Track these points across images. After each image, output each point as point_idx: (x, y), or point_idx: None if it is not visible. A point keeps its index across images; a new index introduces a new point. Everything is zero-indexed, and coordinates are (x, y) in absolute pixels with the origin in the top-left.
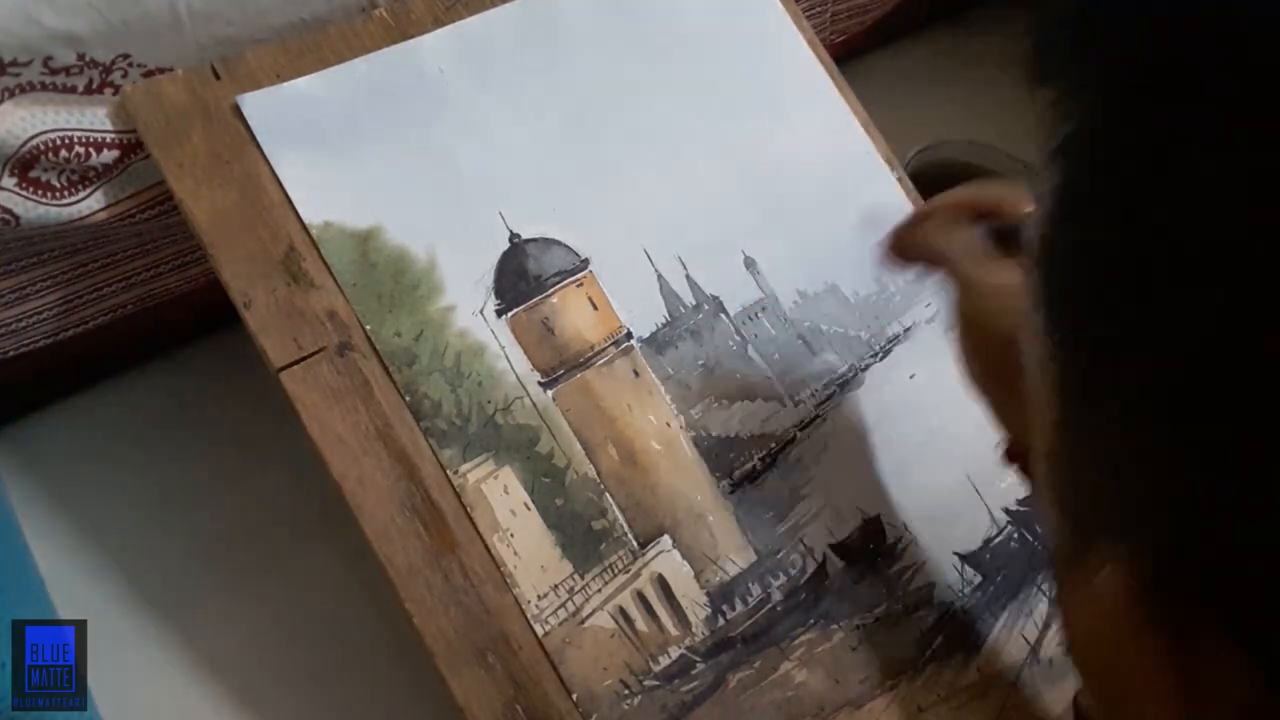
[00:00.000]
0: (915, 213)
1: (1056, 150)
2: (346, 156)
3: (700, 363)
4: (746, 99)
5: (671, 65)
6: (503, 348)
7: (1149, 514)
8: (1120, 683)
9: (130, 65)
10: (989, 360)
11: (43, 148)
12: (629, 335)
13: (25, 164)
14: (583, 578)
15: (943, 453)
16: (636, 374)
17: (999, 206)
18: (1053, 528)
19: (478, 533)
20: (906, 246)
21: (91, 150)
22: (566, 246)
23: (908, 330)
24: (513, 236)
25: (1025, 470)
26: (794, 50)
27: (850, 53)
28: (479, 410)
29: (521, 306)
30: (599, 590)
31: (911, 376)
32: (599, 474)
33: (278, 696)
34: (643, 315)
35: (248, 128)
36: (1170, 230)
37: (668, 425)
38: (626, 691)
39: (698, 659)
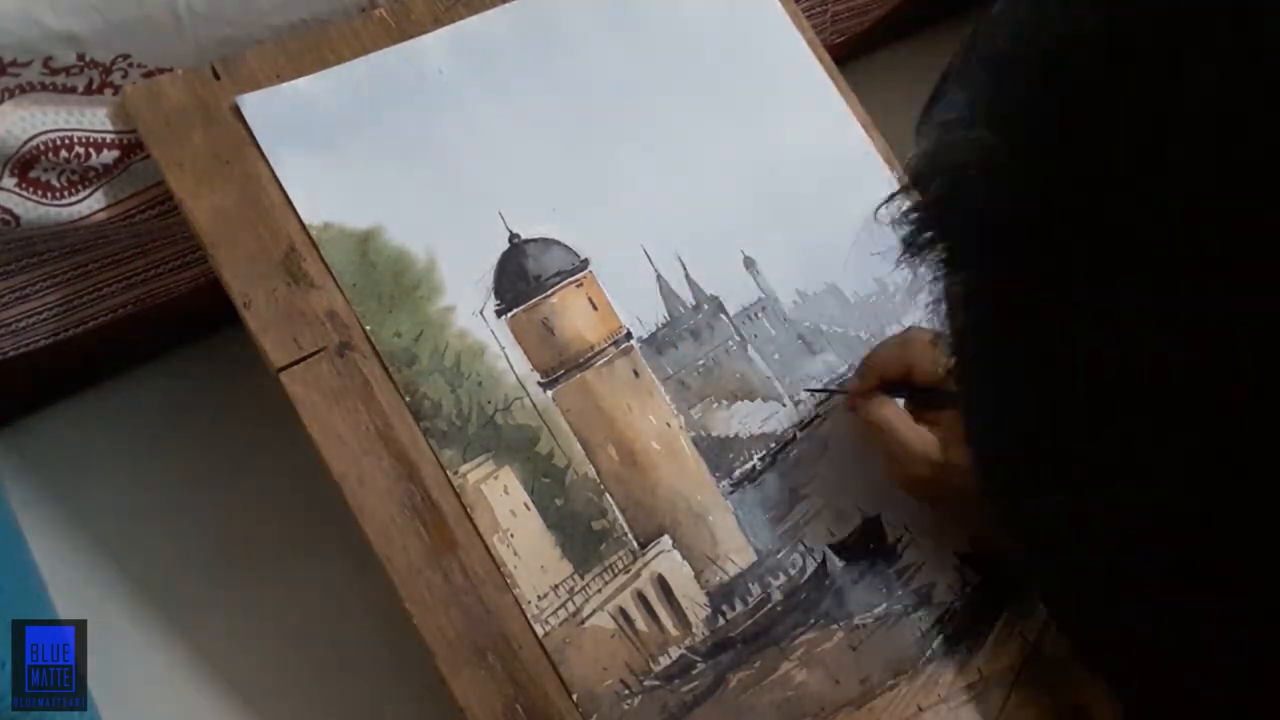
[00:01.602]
0: (851, 392)
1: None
2: (346, 157)
3: (700, 363)
4: (746, 99)
5: (671, 65)
6: (502, 348)
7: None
8: None
9: (130, 65)
10: (941, 502)
11: (43, 148)
12: (629, 335)
13: (25, 164)
14: (583, 578)
15: None
16: (636, 374)
17: (909, 372)
18: None
19: (478, 533)
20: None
21: (91, 150)
22: (566, 247)
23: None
24: (512, 237)
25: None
26: (794, 50)
27: (850, 53)
28: (479, 410)
29: (521, 307)
30: (599, 590)
31: None
32: (599, 474)
33: (277, 696)
34: (642, 315)
35: (248, 128)
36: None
37: (667, 425)
38: (627, 691)
39: (698, 659)
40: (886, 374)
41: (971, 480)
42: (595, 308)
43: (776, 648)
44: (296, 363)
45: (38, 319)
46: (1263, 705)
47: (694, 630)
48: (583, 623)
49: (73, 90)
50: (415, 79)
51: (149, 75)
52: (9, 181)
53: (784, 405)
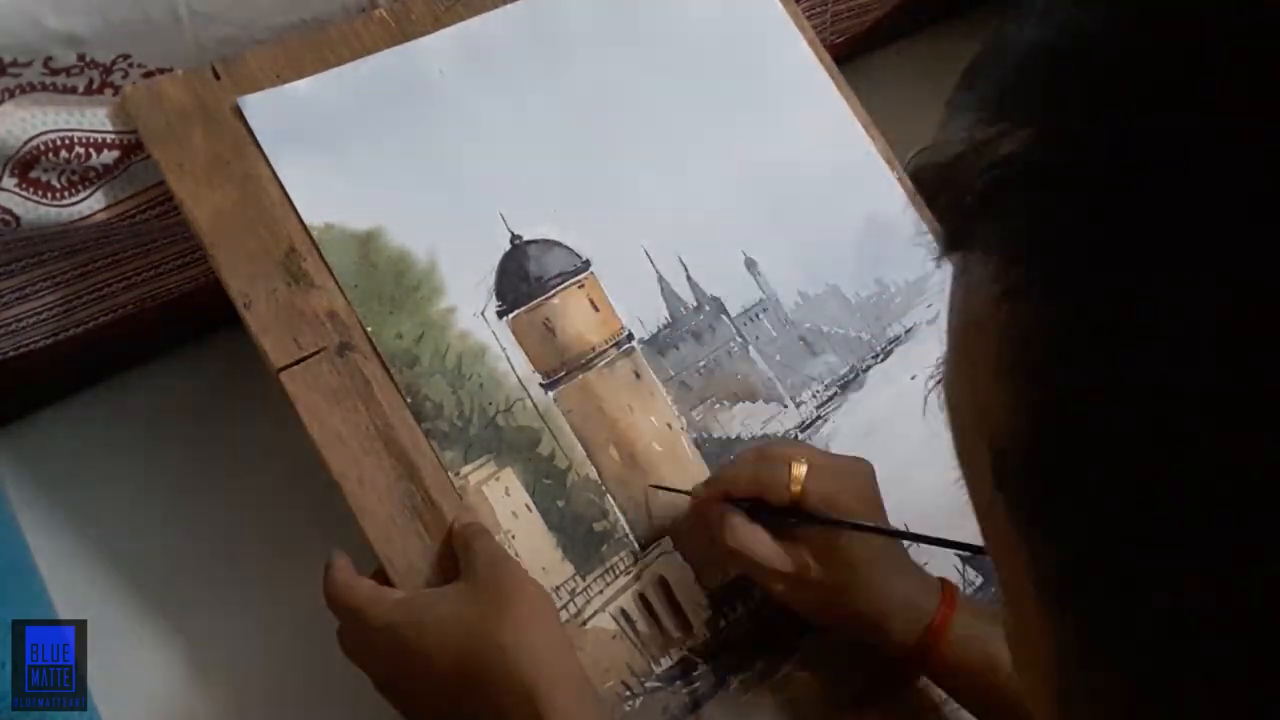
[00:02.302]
0: (693, 512)
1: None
2: (347, 158)
3: (701, 364)
4: (746, 99)
5: (672, 66)
6: (504, 349)
7: None
8: None
9: (130, 65)
10: (843, 623)
11: (43, 148)
12: (630, 337)
13: (26, 164)
14: (584, 579)
15: (943, 454)
16: (638, 375)
17: (760, 492)
18: None
19: None
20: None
21: (92, 150)
22: (567, 248)
23: (909, 331)
24: (514, 238)
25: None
26: (794, 50)
27: (850, 53)
28: (480, 412)
29: (523, 308)
30: (600, 592)
31: (913, 377)
32: (600, 475)
33: (277, 696)
34: (644, 316)
35: (248, 128)
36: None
37: (669, 426)
38: (628, 693)
39: (699, 660)
40: (737, 491)
41: (834, 597)
42: (597, 309)
43: (778, 649)
44: (296, 363)
45: (38, 319)
46: None
47: (695, 631)
48: (584, 624)
49: (73, 90)
50: (416, 80)
51: (149, 75)
52: (9, 182)
53: (785, 407)
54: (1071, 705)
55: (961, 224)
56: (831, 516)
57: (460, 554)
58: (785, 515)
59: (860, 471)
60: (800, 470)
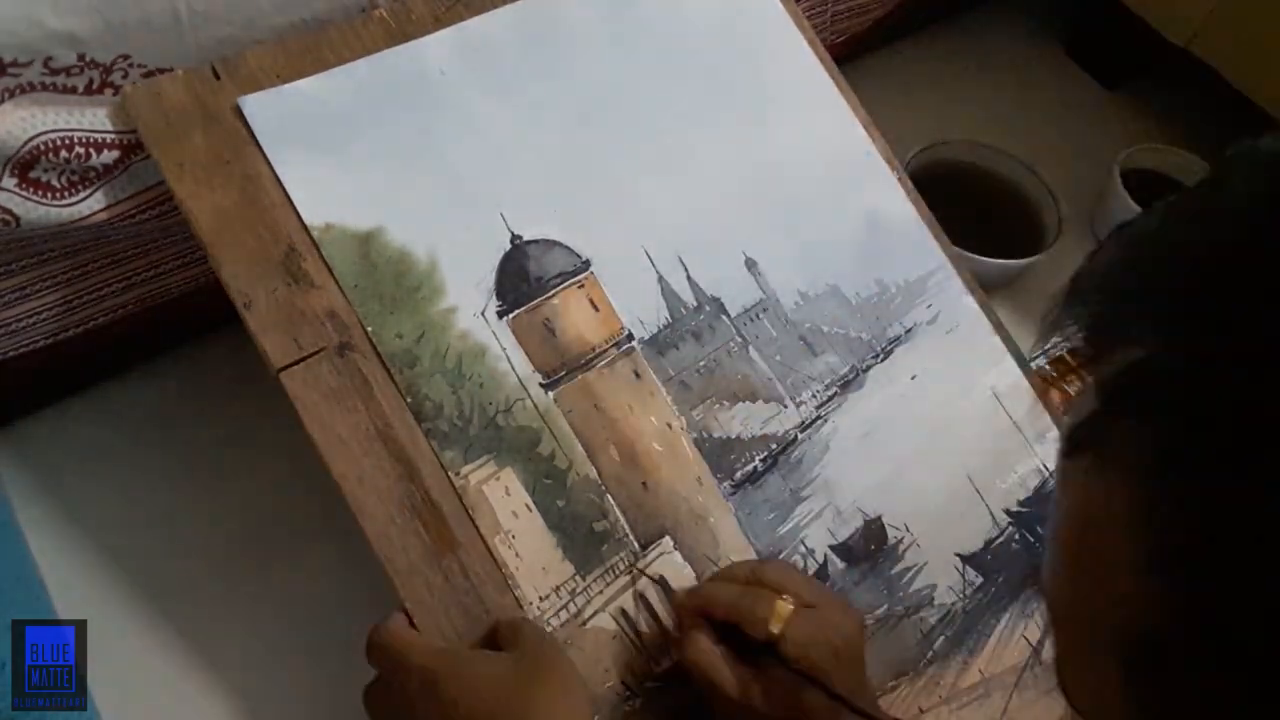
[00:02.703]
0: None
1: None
2: (348, 158)
3: (701, 364)
4: (746, 99)
5: (672, 66)
6: (504, 349)
7: None
8: None
9: (130, 65)
10: None
11: (43, 148)
12: (630, 336)
13: (26, 164)
14: (584, 579)
15: (944, 454)
16: (637, 375)
17: (738, 622)
18: None
19: (479, 534)
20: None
21: (92, 150)
22: (567, 248)
23: (909, 331)
24: (514, 238)
25: None
26: (794, 50)
27: (850, 53)
28: (480, 412)
29: (523, 308)
30: (600, 591)
31: (913, 377)
32: (600, 475)
33: (277, 696)
34: (644, 316)
35: (248, 128)
36: None
37: (669, 426)
38: (628, 693)
39: None
40: (715, 614)
41: None
42: (597, 309)
43: None
44: (296, 363)
45: (38, 319)
46: None
47: None
48: (584, 624)
49: (73, 90)
50: (417, 80)
51: (149, 75)
52: (9, 182)
53: (785, 406)
54: None
55: (1091, 428)
56: (802, 671)
57: (507, 637)
58: (759, 650)
59: (847, 629)
60: (785, 610)
